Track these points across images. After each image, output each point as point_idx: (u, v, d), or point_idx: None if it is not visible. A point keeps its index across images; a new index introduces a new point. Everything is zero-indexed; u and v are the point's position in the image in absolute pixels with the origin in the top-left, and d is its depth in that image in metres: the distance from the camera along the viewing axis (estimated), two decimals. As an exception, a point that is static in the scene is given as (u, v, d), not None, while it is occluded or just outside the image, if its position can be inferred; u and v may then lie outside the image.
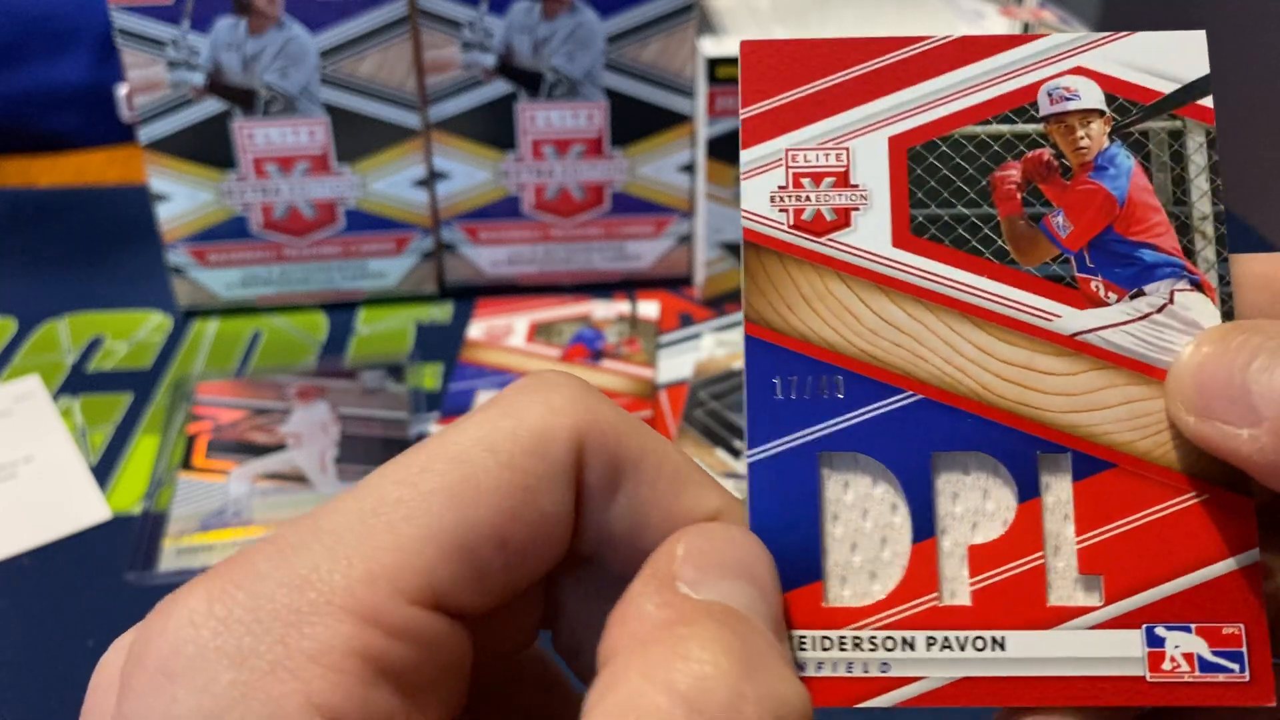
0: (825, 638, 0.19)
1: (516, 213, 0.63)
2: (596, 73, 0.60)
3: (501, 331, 0.62)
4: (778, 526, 0.19)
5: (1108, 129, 0.20)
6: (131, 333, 0.62)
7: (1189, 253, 0.19)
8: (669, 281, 0.66)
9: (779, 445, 0.19)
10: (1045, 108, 0.20)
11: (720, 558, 0.18)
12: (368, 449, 0.52)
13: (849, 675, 0.19)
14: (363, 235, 0.63)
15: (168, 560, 0.46)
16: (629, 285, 0.66)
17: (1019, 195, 0.20)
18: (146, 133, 0.59)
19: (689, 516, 0.19)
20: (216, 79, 0.58)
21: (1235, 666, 0.18)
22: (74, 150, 0.85)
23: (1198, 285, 0.19)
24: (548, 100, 0.60)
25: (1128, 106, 0.20)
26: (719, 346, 0.59)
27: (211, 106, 0.59)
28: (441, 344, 0.61)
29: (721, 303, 0.64)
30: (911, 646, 0.19)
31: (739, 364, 0.58)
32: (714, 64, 0.57)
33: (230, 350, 0.61)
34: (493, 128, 0.61)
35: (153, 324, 0.63)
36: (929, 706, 0.19)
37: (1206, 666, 0.18)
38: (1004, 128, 0.20)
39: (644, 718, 0.15)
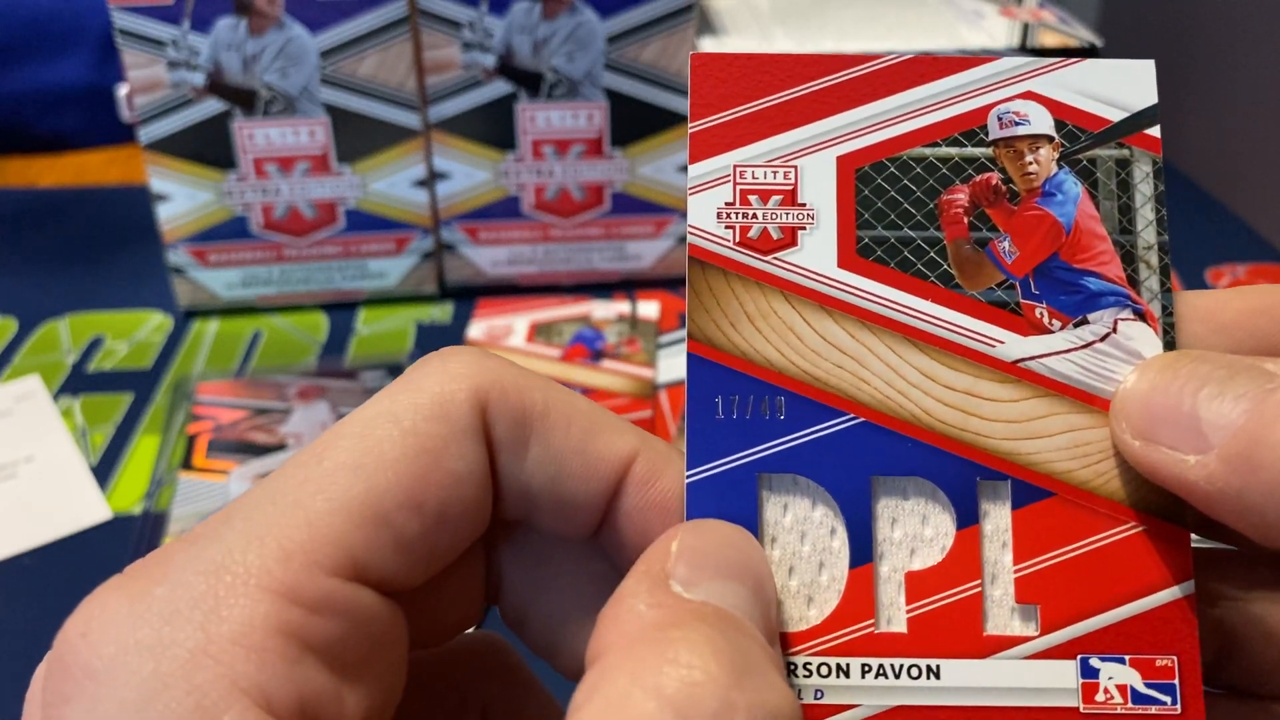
0: None
1: (516, 213, 0.63)
2: (596, 73, 0.60)
3: (502, 332, 0.62)
4: None
5: (1056, 155, 0.20)
6: (132, 333, 0.62)
7: (1133, 282, 0.19)
8: (669, 281, 0.66)
9: (718, 466, 0.19)
10: (995, 131, 0.20)
11: (715, 557, 0.17)
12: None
13: None
14: (363, 235, 0.63)
15: (168, 560, 0.46)
16: (629, 285, 0.66)
17: (966, 219, 0.20)
18: (147, 133, 0.59)
19: (605, 459, 0.19)
20: (217, 79, 0.58)
21: (1167, 699, 0.18)
22: (74, 150, 0.85)
23: (1141, 315, 0.19)
24: (548, 100, 0.60)
25: (1076, 133, 0.20)
26: (719, 346, 0.59)
27: (212, 107, 0.59)
28: (442, 344, 0.60)
29: (721, 303, 0.64)
30: (846, 674, 0.18)
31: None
32: (714, 64, 0.57)
33: (231, 350, 0.61)
34: (493, 128, 0.61)
35: (153, 324, 0.63)
36: None
37: (1139, 698, 0.18)
38: (953, 150, 0.20)
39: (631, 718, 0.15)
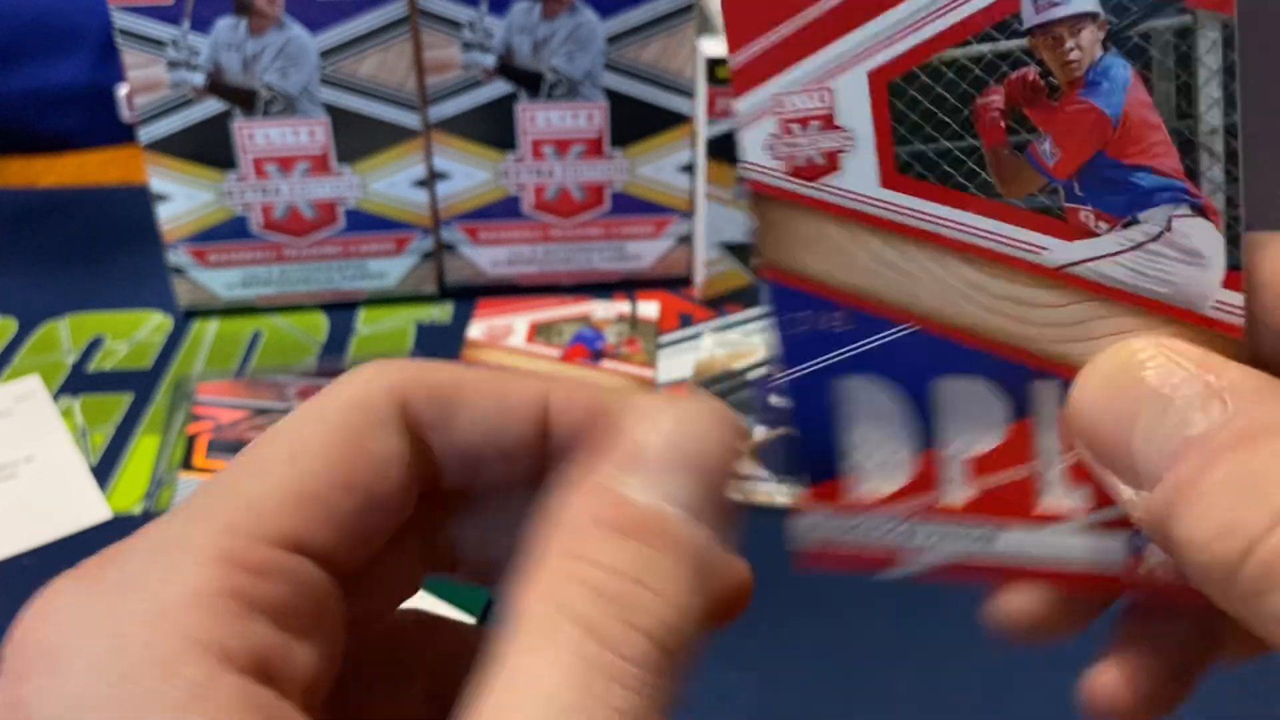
0: (842, 522, 0.21)
1: (516, 213, 0.63)
2: (596, 73, 0.60)
3: (502, 332, 0.62)
4: (807, 435, 0.21)
5: (1102, 34, 0.18)
6: (132, 333, 0.62)
7: (1192, 173, 0.18)
8: (669, 281, 0.66)
9: (802, 369, 0.21)
10: (1030, 18, 0.18)
11: (676, 446, 0.19)
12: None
13: (861, 550, 0.21)
14: (363, 235, 0.63)
15: (168, 560, 0.46)
16: (629, 285, 0.66)
17: (1003, 123, 0.18)
18: (147, 133, 0.59)
19: (521, 402, 0.21)
20: (217, 79, 0.58)
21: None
22: (74, 150, 0.85)
23: (1200, 210, 0.18)
24: (548, 100, 0.60)
25: (1126, 5, 0.17)
26: (719, 347, 0.59)
27: (212, 107, 0.59)
28: (442, 344, 0.61)
29: (721, 303, 0.64)
30: (914, 533, 0.21)
31: (739, 364, 0.58)
32: (714, 64, 0.57)
33: (230, 350, 0.61)
34: (493, 128, 0.61)
35: (153, 324, 0.63)
36: (927, 582, 0.21)
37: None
38: (985, 48, 0.18)
39: (547, 635, 0.17)
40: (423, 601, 0.37)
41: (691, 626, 0.18)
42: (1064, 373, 0.19)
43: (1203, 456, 0.17)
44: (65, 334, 0.62)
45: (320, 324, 0.63)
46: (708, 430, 0.19)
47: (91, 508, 0.49)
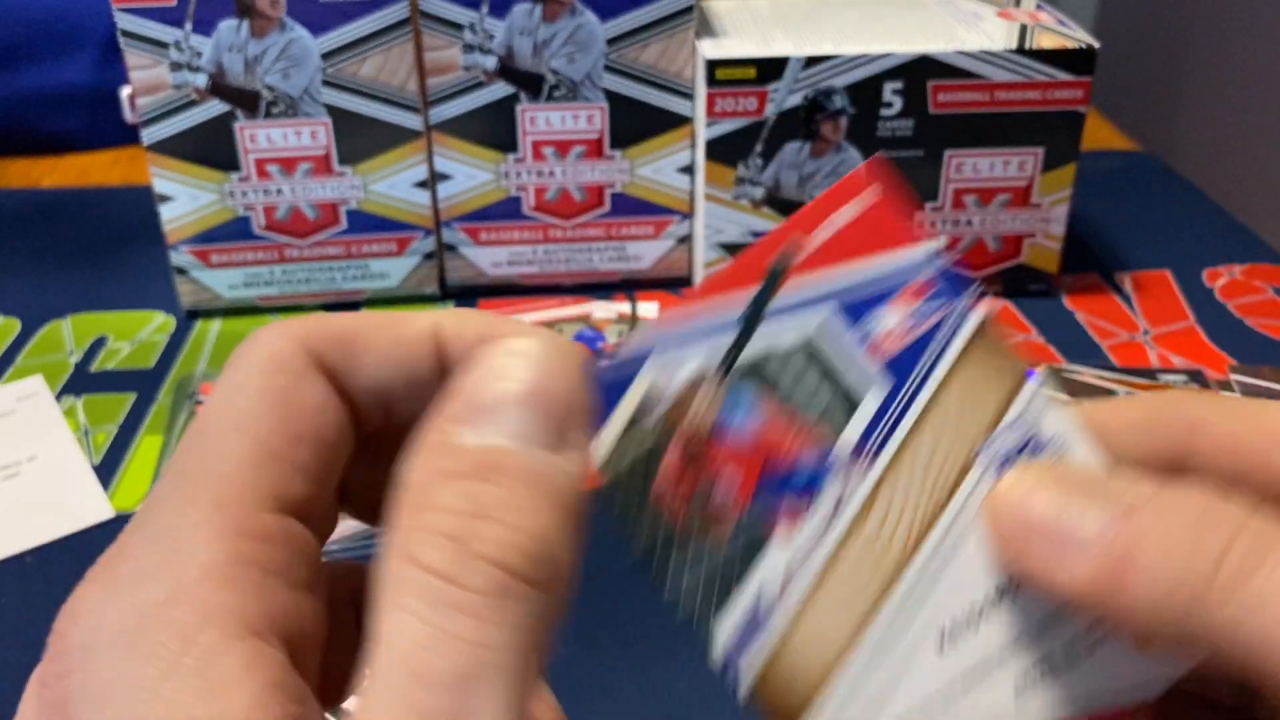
0: None
1: (517, 214, 0.64)
2: (597, 75, 0.60)
3: (502, 332, 0.62)
4: None
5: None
6: (135, 333, 0.62)
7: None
8: (669, 282, 0.66)
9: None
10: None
11: (506, 384, 0.19)
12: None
13: None
14: (364, 236, 0.63)
15: (170, 559, 0.46)
16: (629, 286, 0.66)
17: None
18: (149, 134, 0.59)
19: (415, 335, 0.21)
20: (219, 81, 0.58)
21: None
22: (78, 151, 0.85)
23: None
24: (548, 102, 0.61)
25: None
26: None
27: (214, 108, 0.59)
28: (442, 344, 0.61)
29: (721, 303, 0.64)
30: None
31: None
32: (713, 66, 0.58)
33: (233, 350, 0.61)
34: (494, 129, 0.61)
35: (156, 324, 0.63)
36: None
37: None
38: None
39: (397, 587, 0.17)
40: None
41: (544, 545, 0.18)
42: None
43: (1141, 517, 0.19)
44: (68, 334, 0.62)
45: (322, 324, 0.63)
46: (541, 363, 0.19)
47: (94, 507, 0.50)
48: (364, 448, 0.23)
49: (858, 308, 0.21)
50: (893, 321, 0.21)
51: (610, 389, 0.21)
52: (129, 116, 0.60)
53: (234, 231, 0.62)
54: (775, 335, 0.21)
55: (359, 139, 0.60)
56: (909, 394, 0.21)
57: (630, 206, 0.64)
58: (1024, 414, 0.21)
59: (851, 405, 0.21)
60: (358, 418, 0.22)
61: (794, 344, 0.21)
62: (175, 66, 0.58)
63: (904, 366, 0.21)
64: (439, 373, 0.22)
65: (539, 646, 0.18)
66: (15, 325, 0.63)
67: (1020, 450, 0.21)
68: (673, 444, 0.21)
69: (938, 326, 0.21)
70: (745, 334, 0.21)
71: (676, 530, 0.21)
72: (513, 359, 0.19)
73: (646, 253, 0.65)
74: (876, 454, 0.21)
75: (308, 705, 0.18)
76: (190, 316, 0.64)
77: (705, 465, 0.21)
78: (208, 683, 0.17)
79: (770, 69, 0.58)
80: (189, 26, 0.57)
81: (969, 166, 0.61)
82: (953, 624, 0.21)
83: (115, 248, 0.71)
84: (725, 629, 0.21)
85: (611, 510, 0.21)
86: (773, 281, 0.21)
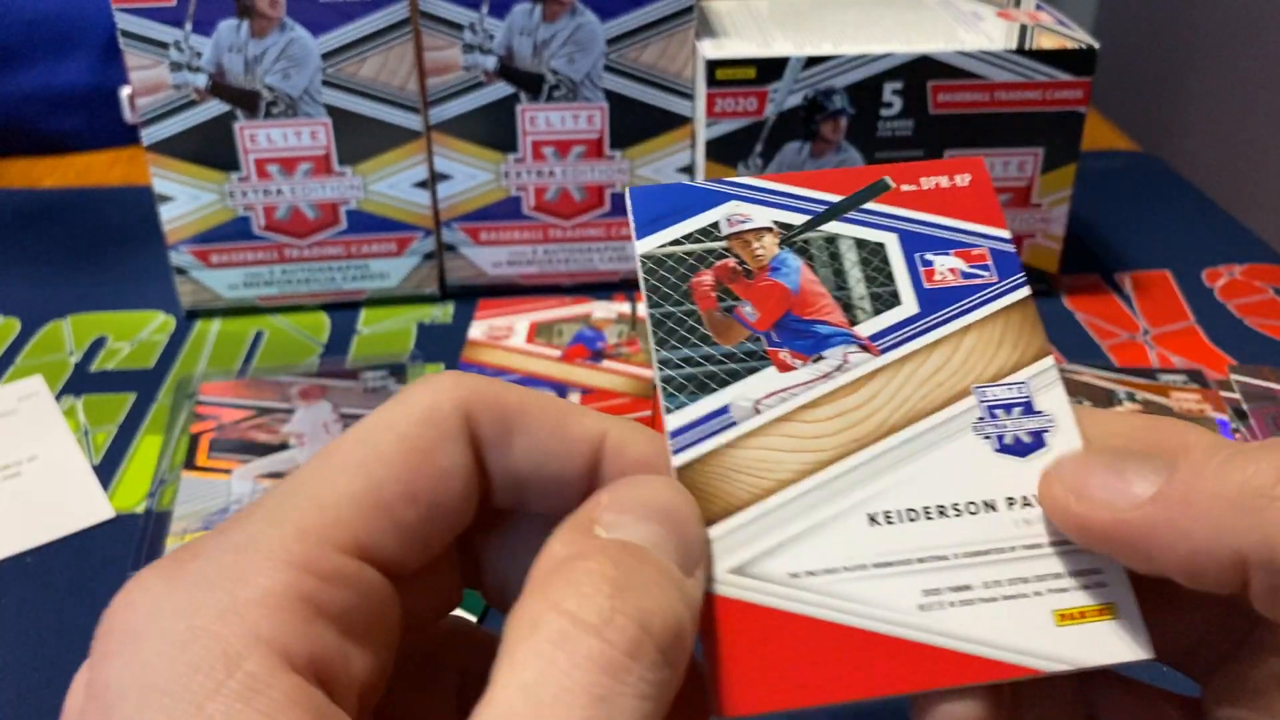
0: None
1: (517, 214, 0.64)
2: (597, 75, 0.60)
3: (502, 332, 0.62)
4: None
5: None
6: (134, 333, 0.62)
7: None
8: (669, 282, 0.66)
9: None
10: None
11: (637, 502, 0.20)
12: (369, 448, 0.52)
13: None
14: (364, 236, 0.63)
15: (170, 559, 0.46)
16: (629, 286, 0.66)
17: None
18: (149, 134, 0.59)
19: (580, 438, 0.22)
20: (219, 81, 0.58)
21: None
22: (77, 152, 0.85)
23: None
24: (548, 102, 0.61)
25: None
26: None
27: (214, 108, 0.59)
28: (443, 344, 0.61)
29: (721, 303, 0.64)
30: None
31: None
32: (713, 66, 0.58)
33: (233, 350, 0.61)
34: (494, 129, 0.61)
35: (156, 324, 0.63)
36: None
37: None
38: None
39: (539, 630, 0.17)
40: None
41: (679, 627, 0.18)
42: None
43: (1194, 455, 0.21)
44: (68, 334, 0.62)
45: (322, 324, 0.63)
46: (665, 491, 0.21)
47: (94, 507, 0.50)
48: (492, 529, 0.23)
49: (924, 243, 0.25)
50: (947, 267, 0.24)
51: (688, 197, 0.25)
52: (129, 116, 0.60)
53: (234, 231, 0.62)
54: (846, 231, 0.25)
55: (359, 139, 0.60)
56: (936, 321, 0.24)
57: (630, 206, 0.64)
58: (1028, 381, 0.23)
59: (881, 307, 0.24)
60: (491, 494, 0.22)
61: (861, 241, 0.25)
62: (175, 66, 0.58)
63: (941, 301, 0.24)
64: (590, 479, 0.22)
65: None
66: (15, 325, 0.63)
67: (1010, 407, 0.23)
68: (728, 259, 0.25)
69: (983, 287, 0.24)
70: (820, 219, 0.25)
71: (699, 312, 0.24)
72: (653, 482, 0.21)
73: (646, 253, 0.65)
74: (885, 350, 0.24)
75: None
76: (190, 316, 0.64)
77: (746, 286, 0.25)
78: (254, 711, 0.17)
79: (770, 69, 0.58)
80: (189, 26, 0.57)
81: (969, 166, 0.61)
82: (886, 515, 0.22)
83: (115, 248, 0.71)
84: (689, 413, 0.23)
85: (646, 276, 0.25)
86: (871, 192, 0.25)
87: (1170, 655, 0.25)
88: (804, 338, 0.24)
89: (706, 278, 0.25)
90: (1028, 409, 0.23)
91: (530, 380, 0.58)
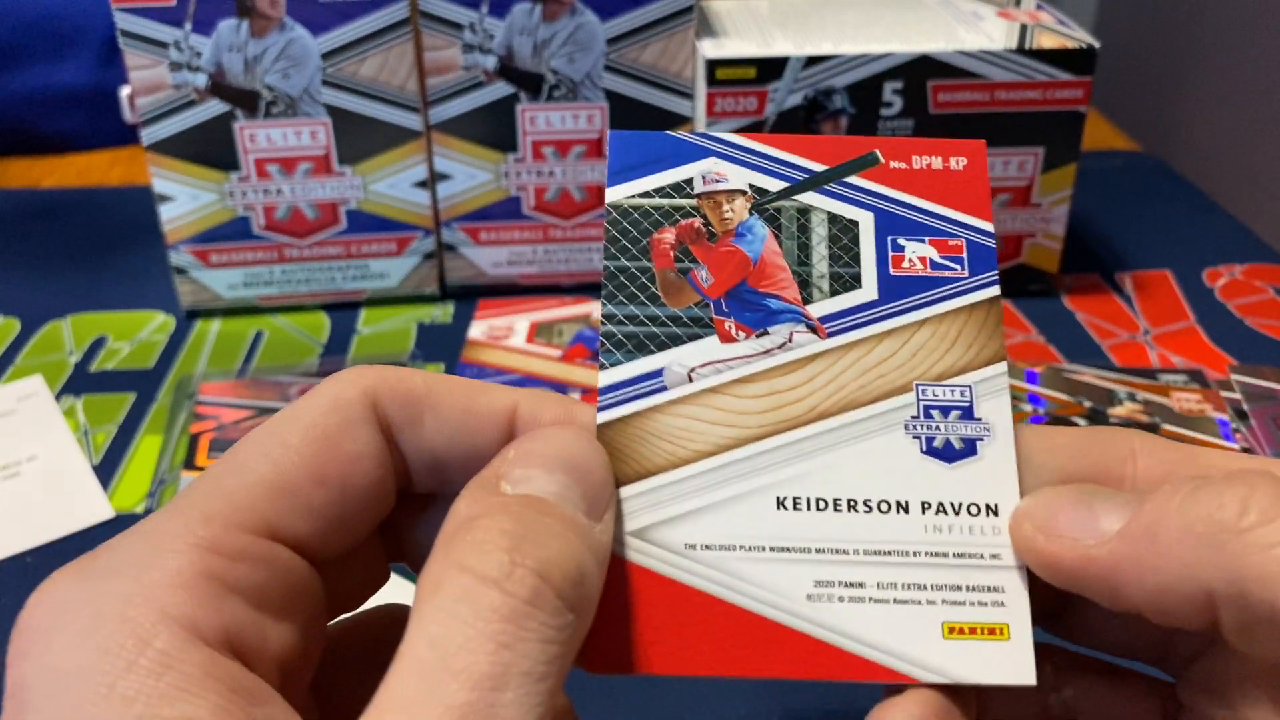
0: None
1: (517, 214, 0.64)
2: (597, 75, 0.60)
3: (502, 332, 0.62)
4: None
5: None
6: (134, 333, 0.62)
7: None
8: (669, 282, 0.66)
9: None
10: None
11: (543, 454, 0.21)
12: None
13: None
14: (364, 236, 0.63)
15: (170, 559, 0.46)
16: (629, 286, 0.66)
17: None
18: (149, 134, 0.59)
19: (490, 411, 0.22)
20: (219, 81, 0.58)
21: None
22: (77, 152, 0.85)
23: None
24: (548, 102, 0.61)
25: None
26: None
27: (214, 108, 0.59)
28: (443, 344, 0.61)
29: (721, 303, 0.64)
30: None
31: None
32: (713, 66, 0.58)
33: (233, 350, 0.61)
34: (494, 129, 0.61)
35: (155, 324, 0.63)
36: None
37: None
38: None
39: (441, 589, 0.18)
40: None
41: (580, 574, 0.19)
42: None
43: (1160, 495, 0.21)
44: (68, 334, 0.62)
45: (322, 324, 0.63)
46: (576, 442, 0.21)
47: (94, 507, 0.50)
48: (420, 512, 0.24)
49: (900, 226, 0.24)
50: (917, 255, 0.23)
51: (669, 148, 0.25)
52: (129, 116, 0.60)
53: (234, 231, 0.62)
54: (821, 204, 0.24)
55: (359, 139, 0.60)
56: (891, 310, 0.23)
57: (630, 206, 0.64)
58: (974, 385, 0.22)
59: (839, 289, 0.24)
60: (408, 476, 0.23)
61: (835, 217, 0.24)
62: (175, 66, 0.58)
63: (902, 289, 0.23)
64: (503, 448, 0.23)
65: (562, 664, 0.18)
66: (15, 325, 0.63)
67: (948, 409, 0.22)
68: (694, 218, 0.24)
69: (950, 280, 0.23)
70: (797, 189, 0.24)
71: (654, 270, 0.24)
72: (559, 434, 0.21)
73: (646, 253, 0.65)
74: (833, 334, 0.23)
75: (274, 703, 0.18)
76: (190, 316, 0.64)
77: (707, 249, 0.24)
78: (168, 685, 0.17)
79: (770, 69, 0.58)
80: (189, 26, 0.57)
81: (969, 166, 0.61)
82: (795, 501, 0.22)
83: (115, 248, 0.71)
84: (621, 372, 0.23)
85: (609, 226, 0.24)
86: (855, 165, 0.24)
87: (1145, 652, 0.25)
88: (754, 310, 0.24)
89: (668, 235, 0.24)
90: (966, 414, 0.22)
91: (530, 380, 0.58)
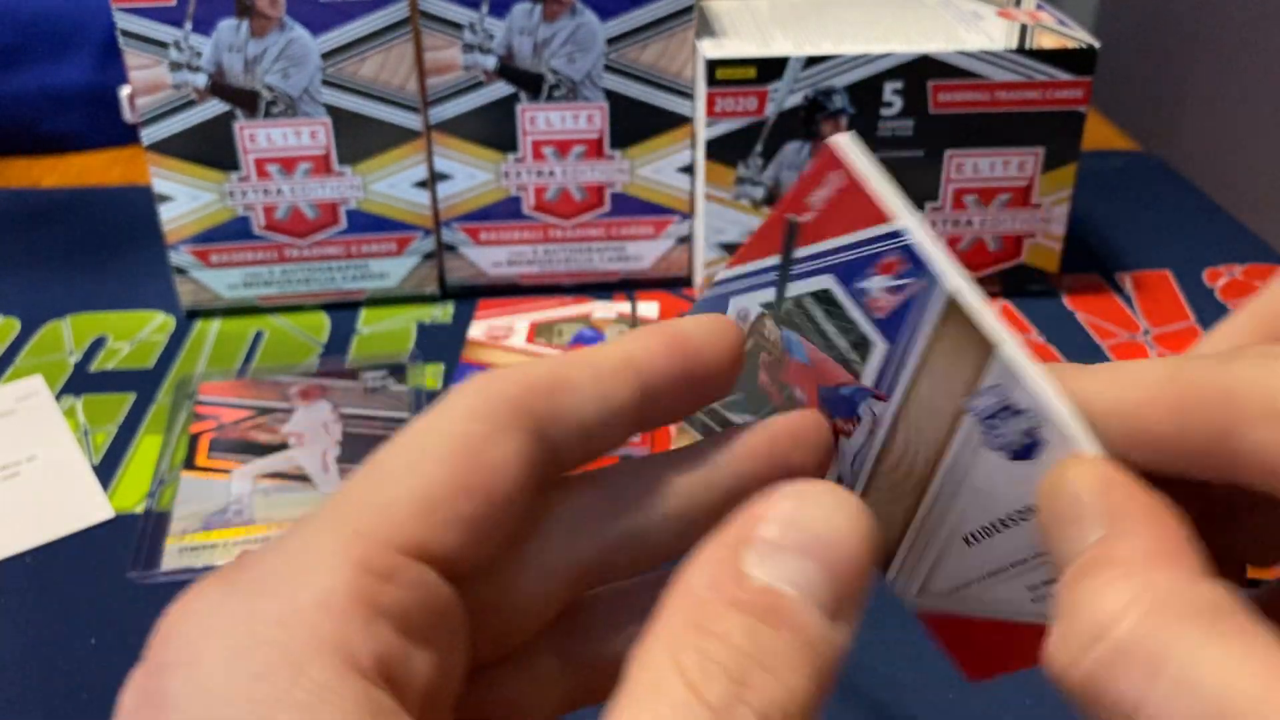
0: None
1: (517, 214, 0.64)
2: (597, 74, 0.60)
3: (502, 332, 0.62)
4: None
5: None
6: (134, 333, 0.62)
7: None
8: (668, 282, 0.66)
9: None
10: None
11: (796, 528, 0.19)
12: (369, 448, 0.52)
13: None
14: (364, 236, 0.63)
15: (170, 559, 0.46)
16: (629, 286, 0.66)
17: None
18: (149, 134, 0.59)
19: (611, 366, 0.22)
20: (219, 80, 0.58)
21: None
22: (77, 151, 0.85)
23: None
24: (548, 102, 0.61)
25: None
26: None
27: (214, 108, 0.59)
28: (443, 344, 0.61)
29: (721, 303, 0.64)
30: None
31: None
32: (713, 66, 0.58)
33: (233, 350, 0.61)
34: (494, 129, 0.61)
35: (155, 324, 0.63)
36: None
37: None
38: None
39: (660, 693, 0.17)
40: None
41: (803, 712, 0.17)
42: None
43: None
44: (68, 334, 0.62)
45: (322, 324, 0.63)
46: (836, 519, 0.19)
47: (94, 507, 0.50)
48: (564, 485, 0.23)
49: (852, 272, 0.24)
50: (879, 289, 0.23)
51: (712, 307, 0.26)
52: (128, 116, 0.60)
53: (234, 231, 0.62)
54: (800, 290, 0.24)
55: (359, 139, 0.60)
56: (902, 349, 0.23)
57: (630, 206, 0.64)
58: (1001, 383, 0.22)
59: (865, 354, 0.24)
60: (559, 460, 0.22)
61: (815, 294, 0.24)
62: (175, 66, 0.58)
63: (896, 326, 0.23)
64: (638, 400, 0.22)
65: None
66: (15, 325, 0.63)
67: (998, 414, 0.22)
68: (761, 352, 0.25)
69: (917, 297, 0.23)
70: (781, 289, 0.25)
71: (775, 408, 0.25)
72: (810, 507, 0.19)
73: (646, 252, 0.65)
74: (890, 393, 0.24)
75: None
76: (190, 316, 0.64)
77: (784, 372, 0.25)
78: (305, 714, 0.17)
79: (770, 69, 0.58)
80: (188, 26, 0.57)
81: (969, 166, 0.61)
82: (974, 535, 0.23)
83: (115, 248, 0.71)
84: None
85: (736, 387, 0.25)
86: (790, 239, 0.24)
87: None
88: (839, 403, 0.24)
89: (764, 377, 0.25)
90: (1012, 411, 0.22)
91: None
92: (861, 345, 0.24)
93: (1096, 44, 0.58)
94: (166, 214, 0.61)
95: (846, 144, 0.22)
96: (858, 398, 0.24)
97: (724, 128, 0.59)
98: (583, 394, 0.22)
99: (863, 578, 0.19)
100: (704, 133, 0.60)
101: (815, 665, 0.18)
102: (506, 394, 0.21)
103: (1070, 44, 0.58)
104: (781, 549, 0.19)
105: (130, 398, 0.57)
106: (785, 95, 0.58)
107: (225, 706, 0.17)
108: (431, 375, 0.58)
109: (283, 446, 0.52)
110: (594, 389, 0.22)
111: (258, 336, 0.62)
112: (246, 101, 0.59)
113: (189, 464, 0.51)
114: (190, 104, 0.59)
